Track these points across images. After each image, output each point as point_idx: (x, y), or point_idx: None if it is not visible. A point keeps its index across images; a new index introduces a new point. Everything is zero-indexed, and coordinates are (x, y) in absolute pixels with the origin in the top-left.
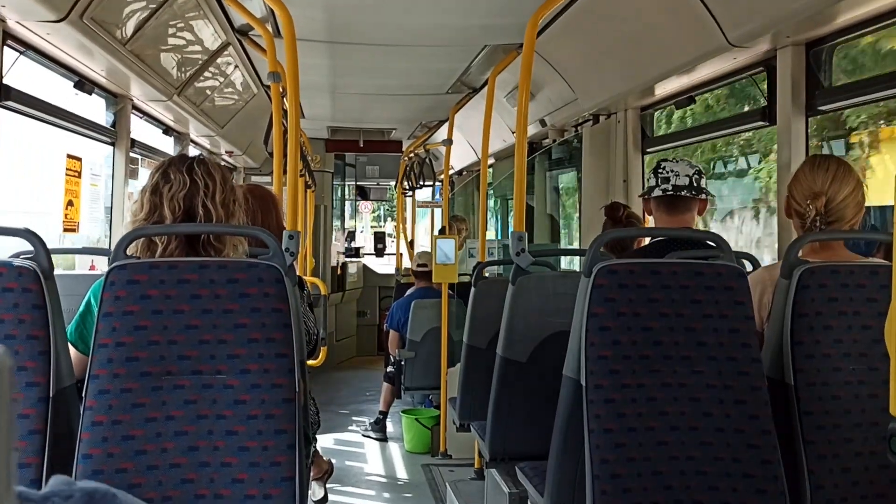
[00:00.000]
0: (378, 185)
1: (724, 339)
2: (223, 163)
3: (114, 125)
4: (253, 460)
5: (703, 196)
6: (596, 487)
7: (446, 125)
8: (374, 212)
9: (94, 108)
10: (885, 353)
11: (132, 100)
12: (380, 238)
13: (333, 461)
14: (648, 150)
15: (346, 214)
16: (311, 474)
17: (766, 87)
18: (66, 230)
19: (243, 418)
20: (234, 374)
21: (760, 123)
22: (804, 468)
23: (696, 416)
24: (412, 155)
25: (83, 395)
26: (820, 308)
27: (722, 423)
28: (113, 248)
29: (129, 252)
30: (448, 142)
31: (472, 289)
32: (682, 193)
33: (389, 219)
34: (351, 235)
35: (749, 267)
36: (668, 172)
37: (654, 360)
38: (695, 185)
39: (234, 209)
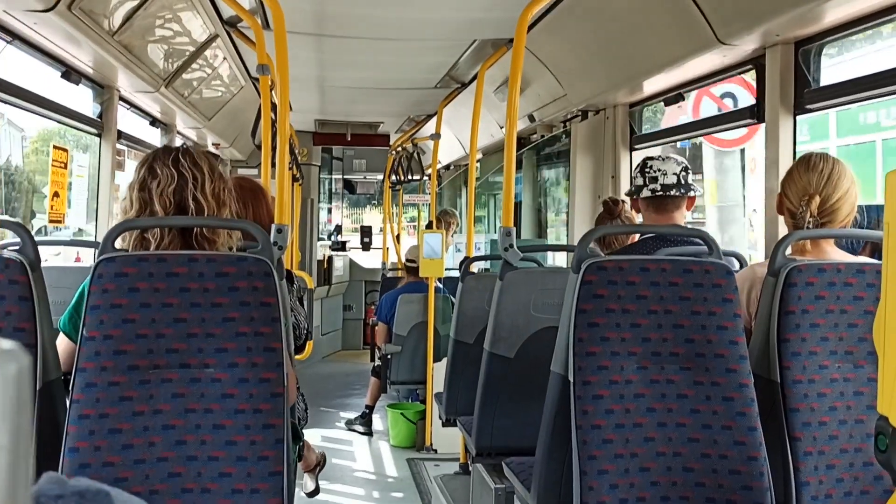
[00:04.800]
0: (365, 178)
1: (712, 335)
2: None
3: (100, 116)
4: (241, 454)
5: (692, 193)
6: (583, 483)
7: (434, 119)
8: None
9: (82, 99)
10: (871, 351)
11: (119, 91)
12: (366, 232)
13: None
14: (637, 146)
15: (335, 207)
16: (303, 467)
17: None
18: (51, 222)
19: (231, 412)
20: (222, 368)
21: (749, 121)
22: (790, 464)
23: (683, 413)
24: (400, 149)
25: (70, 388)
26: (806, 306)
27: (709, 420)
28: (101, 240)
29: (122, 248)
30: (436, 136)
31: (460, 284)
32: (672, 193)
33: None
34: (337, 229)
35: (736, 265)
36: (655, 172)
37: (642, 357)
38: (682, 182)
39: (226, 198)
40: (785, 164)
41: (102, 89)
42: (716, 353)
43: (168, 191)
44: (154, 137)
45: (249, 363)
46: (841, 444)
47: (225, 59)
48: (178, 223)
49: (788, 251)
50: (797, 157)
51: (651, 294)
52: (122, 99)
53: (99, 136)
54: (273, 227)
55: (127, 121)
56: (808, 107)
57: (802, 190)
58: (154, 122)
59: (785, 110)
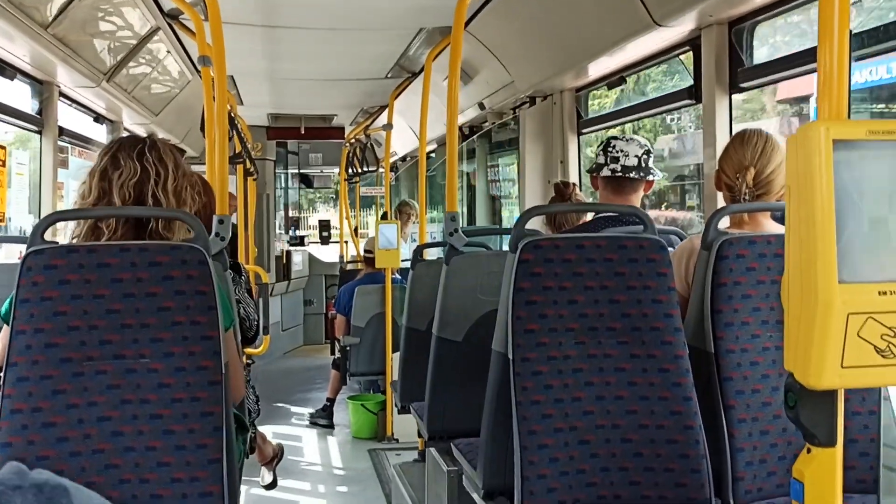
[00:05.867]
0: (321, 172)
1: (647, 309)
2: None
3: (40, 112)
4: (179, 443)
5: (651, 177)
6: (524, 458)
7: (388, 110)
8: None
9: (19, 95)
10: None
11: (59, 86)
12: (324, 226)
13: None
14: (584, 131)
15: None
16: (259, 459)
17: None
18: None
19: (168, 402)
20: (158, 357)
21: (687, 102)
22: (724, 432)
23: (621, 385)
24: (354, 141)
25: (2, 383)
26: (738, 278)
27: (646, 391)
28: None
29: (73, 235)
30: (388, 127)
31: (410, 272)
32: (631, 175)
33: None
34: (295, 223)
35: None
36: (617, 152)
37: (579, 332)
38: (643, 165)
39: (186, 196)
40: (722, 142)
41: (41, 85)
42: (651, 327)
43: (129, 183)
44: (100, 134)
45: (186, 352)
46: (774, 411)
47: (169, 52)
48: (107, 213)
49: (727, 224)
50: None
51: (587, 271)
52: (63, 95)
53: (39, 133)
54: (214, 217)
55: (70, 118)
56: (742, 85)
57: (738, 164)
58: (99, 118)
59: (721, 89)
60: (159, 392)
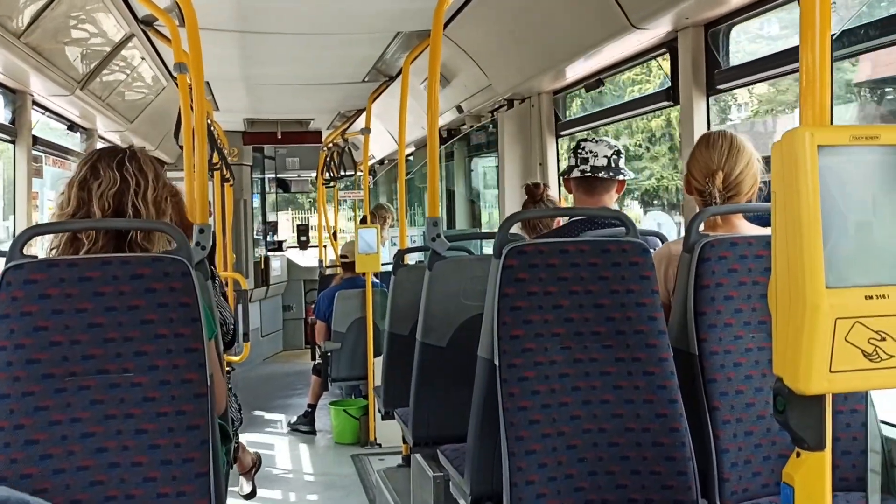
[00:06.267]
0: (299, 176)
1: (631, 312)
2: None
3: (13, 122)
4: (165, 458)
5: (622, 177)
6: (512, 464)
7: (365, 114)
8: None
9: None
10: None
11: (32, 95)
12: (303, 230)
13: (261, 454)
14: (562, 133)
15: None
16: (238, 469)
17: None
18: None
19: (153, 416)
20: (142, 371)
21: (665, 104)
22: (710, 433)
23: (606, 389)
24: (331, 145)
25: None
26: (720, 279)
27: (631, 395)
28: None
29: (52, 247)
30: (366, 131)
31: (392, 276)
32: (600, 175)
33: None
34: (273, 228)
35: (659, 244)
36: (586, 153)
37: (565, 337)
38: (613, 165)
39: (166, 207)
40: None
41: (14, 94)
42: (635, 330)
43: (108, 193)
44: (75, 143)
45: (170, 365)
46: (758, 411)
47: (143, 59)
48: (86, 226)
49: (701, 228)
50: None
51: (571, 275)
52: (36, 104)
53: (12, 142)
54: (195, 227)
55: (44, 126)
56: (719, 87)
57: (705, 167)
58: (73, 126)
59: (698, 91)
60: (144, 406)
